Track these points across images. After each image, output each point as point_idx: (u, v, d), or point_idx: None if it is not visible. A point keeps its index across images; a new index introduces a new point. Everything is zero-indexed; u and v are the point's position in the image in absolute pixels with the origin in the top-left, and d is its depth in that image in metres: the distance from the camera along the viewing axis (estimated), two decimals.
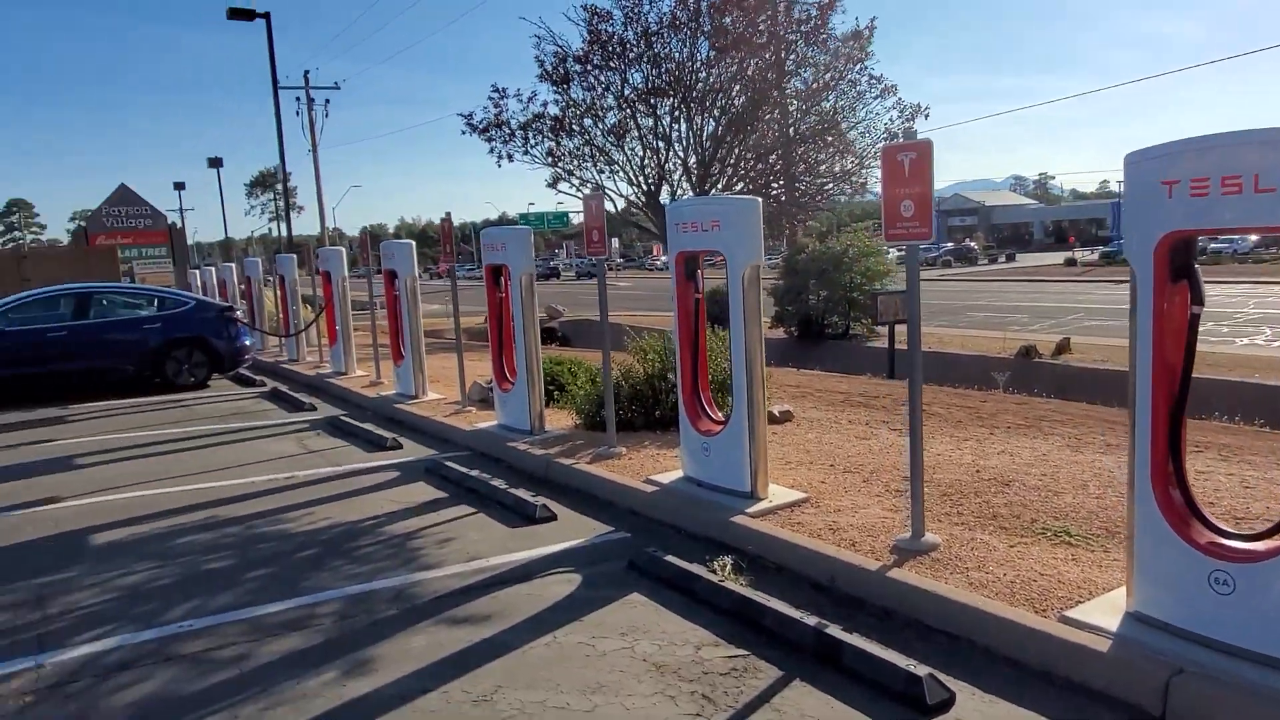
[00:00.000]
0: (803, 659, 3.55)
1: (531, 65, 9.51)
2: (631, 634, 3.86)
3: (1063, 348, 17.80)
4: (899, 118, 7.38)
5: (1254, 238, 48.12)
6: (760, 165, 7.78)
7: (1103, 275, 46.17)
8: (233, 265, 20.92)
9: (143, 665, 3.73)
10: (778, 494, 5.42)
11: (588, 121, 8.23)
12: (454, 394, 10.06)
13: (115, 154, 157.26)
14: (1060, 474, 5.63)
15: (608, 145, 8.27)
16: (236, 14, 21.79)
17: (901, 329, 19.41)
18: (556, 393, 8.77)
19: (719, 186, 8.06)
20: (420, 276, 10.19)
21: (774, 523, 4.99)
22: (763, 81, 7.21)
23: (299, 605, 4.32)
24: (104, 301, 12.87)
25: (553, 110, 8.30)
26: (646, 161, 8.13)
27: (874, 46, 7.09)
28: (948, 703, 3.17)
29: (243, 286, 18.40)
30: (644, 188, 8.22)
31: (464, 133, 8.84)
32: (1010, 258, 71.79)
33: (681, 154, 7.99)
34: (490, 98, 8.45)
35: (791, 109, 7.41)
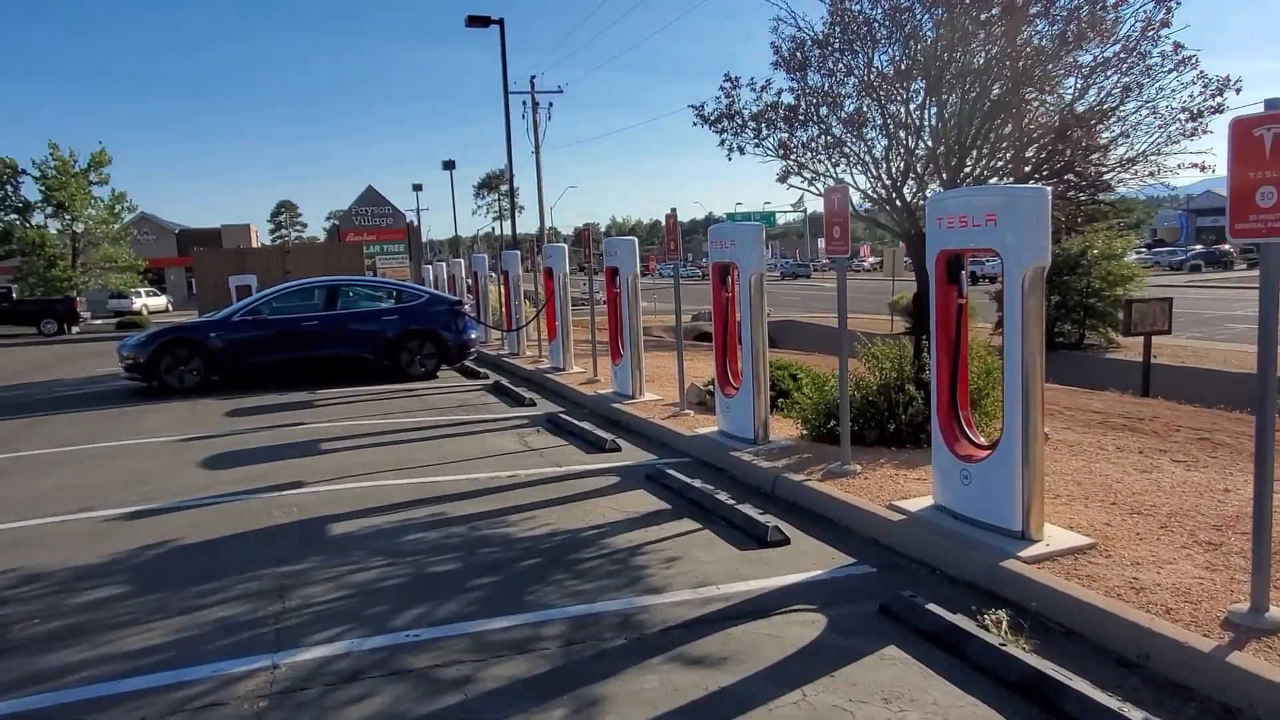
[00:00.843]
0: None
1: (735, 66, 8.92)
2: (896, 701, 3.28)
3: None
4: (1201, 93, 6.19)
5: None
6: (1027, 154, 6.82)
7: None
8: (461, 261, 22.04)
9: (371, 677, 3.60)
10: (1055, 536, 4.61)
11: (823, 110, 7.58)
12: (670, 394, 9.78)
13: (364, 157, 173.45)
14: None
15: (845, 136, 7.59)
16: (474, 21, 23.02)
17: (1159, 341, 17.22)
18: (779, 399, 8.24)
19: (970, 179, 7.17)
20: None
21: (1057, 572, 4.20)
22: (1034, 55, 6.27)
23: (523, 624, 4.08)
24: (350, 294, 13.79)
25: (787, 99, 7.72)
26: (893, 153, 7.38)
27: (1178, 13, 6.05)
28: None
29: (469, 281, 19.26)
30: (887, 181, 7.47)
31: (695, 124, 8.47)
32: None
33: (929, 143, 7.17)
34: (722, 87, 8.01)
35: (1068, 86, 6.44)
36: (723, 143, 8.14)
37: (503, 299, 16.94)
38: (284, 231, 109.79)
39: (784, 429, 7.61)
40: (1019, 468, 4.54)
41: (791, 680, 3.45)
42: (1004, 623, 3.80)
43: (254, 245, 54.22)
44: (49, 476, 7.60)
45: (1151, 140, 6.54)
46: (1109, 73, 6.46)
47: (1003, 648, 3.51)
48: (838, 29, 7.47)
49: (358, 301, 13.74)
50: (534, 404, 10.56)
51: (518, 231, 28.85)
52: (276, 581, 4.75)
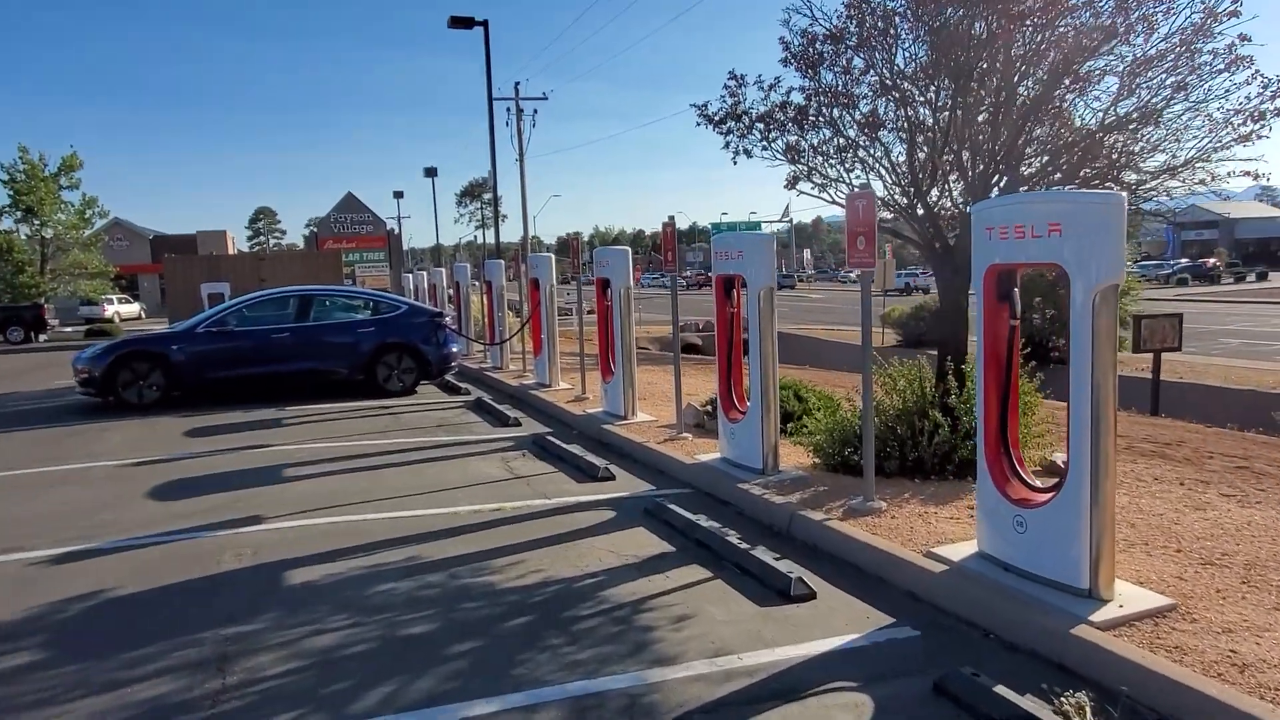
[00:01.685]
0: None
1: (723, 73, 8.43)
2: None
3: None
4: (1259, 95, 5.64)
5: None
6: (1060, 161, 6.24)
7: None
8: (442, 270, 21.31)
9: None
10: (1128, 595, 3.99)
11: (836, 111, 6.98)
12: (665, 415, 9.14)
13: (344, 165, 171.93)
14: None
15: (860, 139, 6.99)
16: (457, 22, 22.27)
17: (1168, 358, 16.80)
18: (785, 423, 7.61)
19: (999, 187, 6.60)
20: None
21: (1138, 642, 3.59)
22: (1075, 52, 5.70)
23: (512, 708, 3.41)
24: (325, 304, 13.06)
25: (796, 99, 7.12)
26: (914, 157, 6.77)
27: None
28: None
29: (451, 291, 18.55)
30: (908, 187, 6.87)
31: (698, 124, 7.87)
32: (1262, 276, 63.18)
33: (954, 147, 6.58)
34: (727, 86, 7.41)
35: (1110, 87, 5.88)
36: (728, 145, 7.53)
37: (486, 310, 16.24)
38: (262, 238, 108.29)
39: (793, 456, 6.98)
40: (1086, 513, 3.93)
41: None
42: (1087, 709, 3.17)
43: (230, 252, 53.12)
44: None
45: (1200, 146, 5.97)
46: (1156, 71, 5.90)
47: None
48: (853, 24, 6.88)
49: (332, 312, 13.01)
50: (519, 424, 9.87)
51: (501, 240, 28.13)
52: (219, 648, 4.04)
